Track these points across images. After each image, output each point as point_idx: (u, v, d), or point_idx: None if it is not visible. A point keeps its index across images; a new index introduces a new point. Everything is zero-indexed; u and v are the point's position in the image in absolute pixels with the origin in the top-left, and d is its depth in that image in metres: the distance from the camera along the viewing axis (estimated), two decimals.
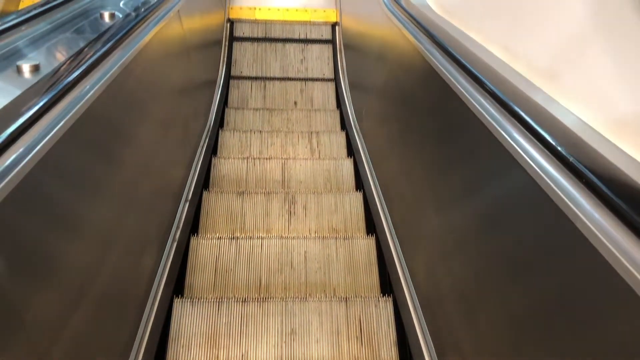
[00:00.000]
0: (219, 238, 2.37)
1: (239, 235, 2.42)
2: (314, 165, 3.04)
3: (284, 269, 2.32)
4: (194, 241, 2.34)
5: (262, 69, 4.13)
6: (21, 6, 3.63)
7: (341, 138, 3.36)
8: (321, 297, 2.12)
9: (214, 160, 2.98)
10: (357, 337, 2.02)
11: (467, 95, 1.33)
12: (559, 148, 0.92)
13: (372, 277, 2.33)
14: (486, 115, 1.20)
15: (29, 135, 0.95)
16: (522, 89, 1.16)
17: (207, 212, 2.63)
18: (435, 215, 1.70)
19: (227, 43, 4.18)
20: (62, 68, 1.23)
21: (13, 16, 1.42)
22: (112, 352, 1.44)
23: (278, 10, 4.41)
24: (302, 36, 4.31)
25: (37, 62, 1.17)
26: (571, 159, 0.87)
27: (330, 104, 3.96)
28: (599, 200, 0.78)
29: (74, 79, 1.17)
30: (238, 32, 4.32)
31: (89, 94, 1.20)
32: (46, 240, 1.04)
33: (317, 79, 4.09)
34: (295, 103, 3.91)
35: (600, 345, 0.79)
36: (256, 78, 4.03)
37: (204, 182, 2.78)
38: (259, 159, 3.03)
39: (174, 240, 2.13)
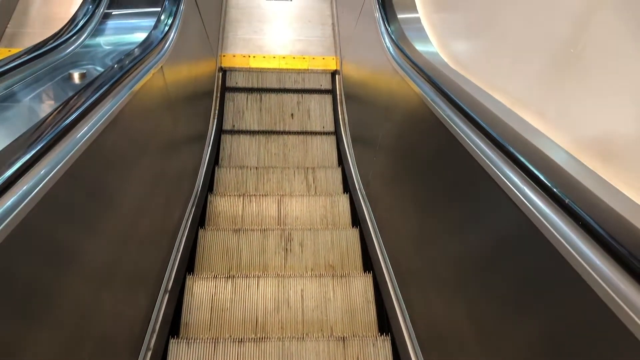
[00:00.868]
0: (215, 277, 2.36)
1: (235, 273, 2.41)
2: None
3: (280, 308, 2.30)
4: (189, 281, 2.33)
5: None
6: None
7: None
8: (318, 337, 2.10)
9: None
10: None
11: (516, 191, 1.02)
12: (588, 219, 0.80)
13: (370, 315, 2.32)
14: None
15: None
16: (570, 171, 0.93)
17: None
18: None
19: (218, 94, 3.84)
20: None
21: None
22: None
23: (274, 57, 4.11)
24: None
25: None
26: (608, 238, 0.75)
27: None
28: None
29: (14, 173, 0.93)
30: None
31: (37, 189, 0.96)
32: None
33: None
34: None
35: None
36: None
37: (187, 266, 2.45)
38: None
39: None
